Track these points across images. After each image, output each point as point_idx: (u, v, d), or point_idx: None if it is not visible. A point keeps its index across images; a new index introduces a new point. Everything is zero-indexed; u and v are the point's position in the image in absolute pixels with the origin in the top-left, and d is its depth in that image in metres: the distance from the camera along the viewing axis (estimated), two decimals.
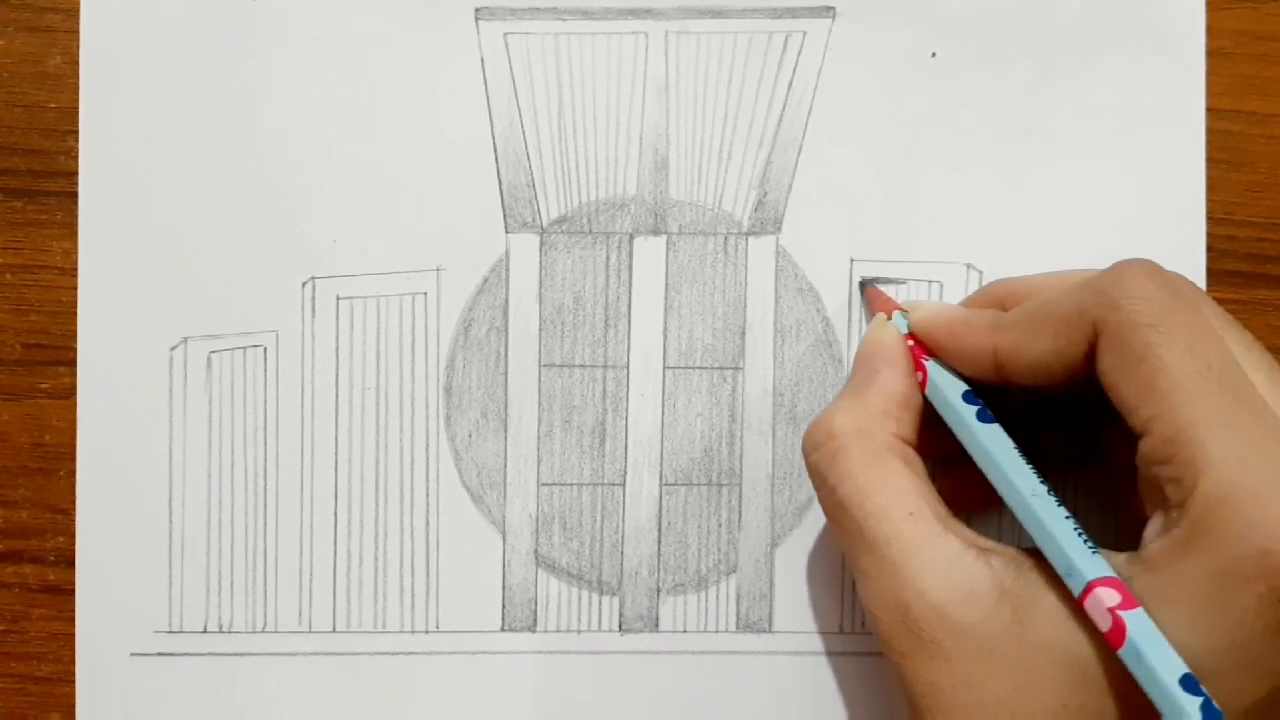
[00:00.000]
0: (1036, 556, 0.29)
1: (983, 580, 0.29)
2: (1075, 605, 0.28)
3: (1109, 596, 0.27)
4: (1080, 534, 0.29)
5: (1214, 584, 0.27)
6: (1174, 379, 0.28)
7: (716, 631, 0.37)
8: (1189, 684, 0.26)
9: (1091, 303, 0.29)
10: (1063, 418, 0.34)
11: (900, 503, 0.30)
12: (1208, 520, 0.27)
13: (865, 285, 0.36)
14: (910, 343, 0.33)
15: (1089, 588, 0.27)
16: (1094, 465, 0.35)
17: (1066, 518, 0.29)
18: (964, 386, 0.32)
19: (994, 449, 0.31)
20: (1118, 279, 0.29)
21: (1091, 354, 0.29)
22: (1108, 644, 0.27)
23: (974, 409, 0.31)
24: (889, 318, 0.34)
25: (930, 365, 0.32)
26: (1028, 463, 0.30)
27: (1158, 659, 0.26)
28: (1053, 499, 0.30)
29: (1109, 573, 0.28)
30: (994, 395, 0.32)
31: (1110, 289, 0.29)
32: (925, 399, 0.32)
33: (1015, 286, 0.33)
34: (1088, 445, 0.34)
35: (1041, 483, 0.30)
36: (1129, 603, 0.27)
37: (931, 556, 0.29)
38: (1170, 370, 0.28)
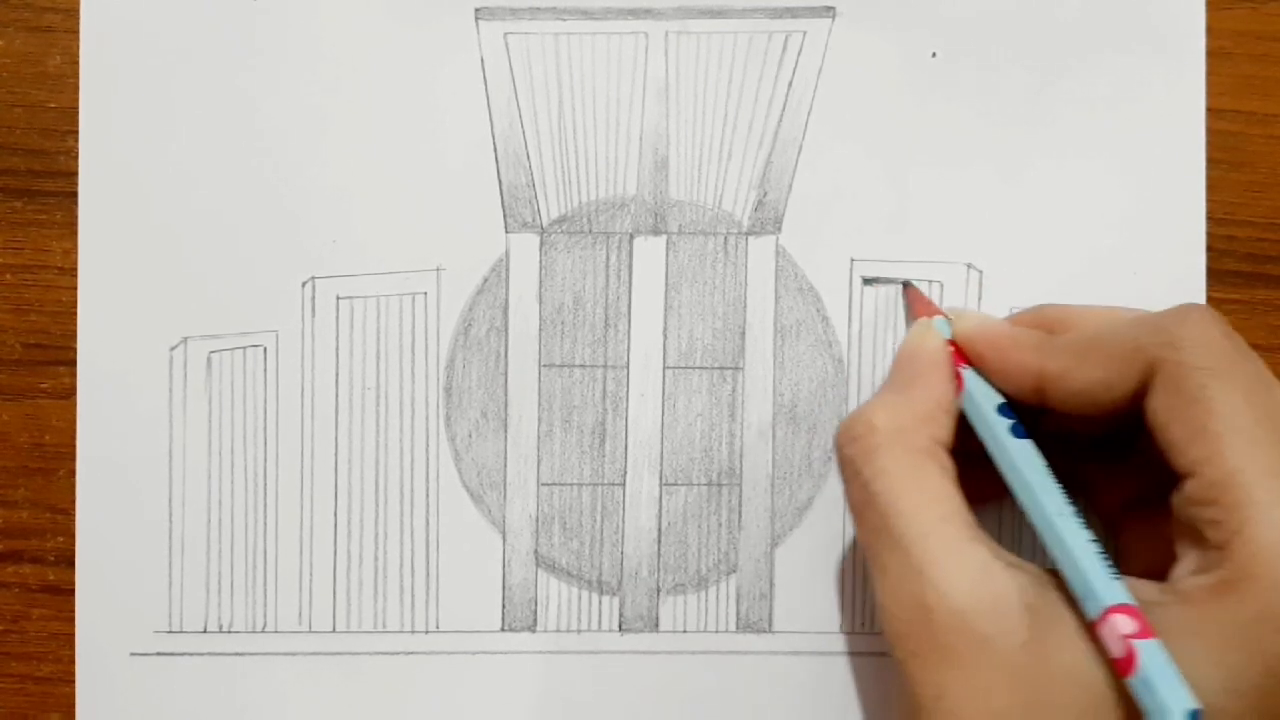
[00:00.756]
0: (1060, 577, 0.29)
1: (1009, 593, 0.29)
2: (1094, 629, 0.28)
3: (1124, 624, 0.27)
4: (1104, 559, 0.29)
5: (1248, 628, 0.27)
6: (1228, 424, 0.28)
7: (716, 631, 0.37)
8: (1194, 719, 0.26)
9: (1151, 340, 0.30)
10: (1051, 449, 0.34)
11: (934, 506, 0.30)
12: (1251, 565, 0.27)
13: (906, 285, 0.36)
14: (950, 349, 0.33)
15: (1106, 613, 0.28)
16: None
17: (1090, 541, 0.29)
18: (1000, 399, 0.32)
19: (1024, 465, 0.31)
20: (1181, 320, 0.30)
21: (1138, 390, 0.30)
22: (1118, 671, 0.27)
23: (1008, 422, 0.31)
24: (932, 321, 0.34)
25: (968, 374, 0.32)
26: (1057, 483, 0.30)
27: (1166, 691, 0.26)
28: (1078, 521, 0.30)
29: (1128, 600, 0.28)
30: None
31: (1172, 329, 0.29)
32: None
33: (1064, 313, 0.34)
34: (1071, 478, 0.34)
35: (1069, 504, 0.30)
36: (1145, 632, 0.27)
37: (960, 562, 0.29)
38: (1224, 416, 0.28)
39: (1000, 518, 0.36)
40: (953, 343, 0.33)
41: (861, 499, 0.31)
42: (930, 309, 0.35)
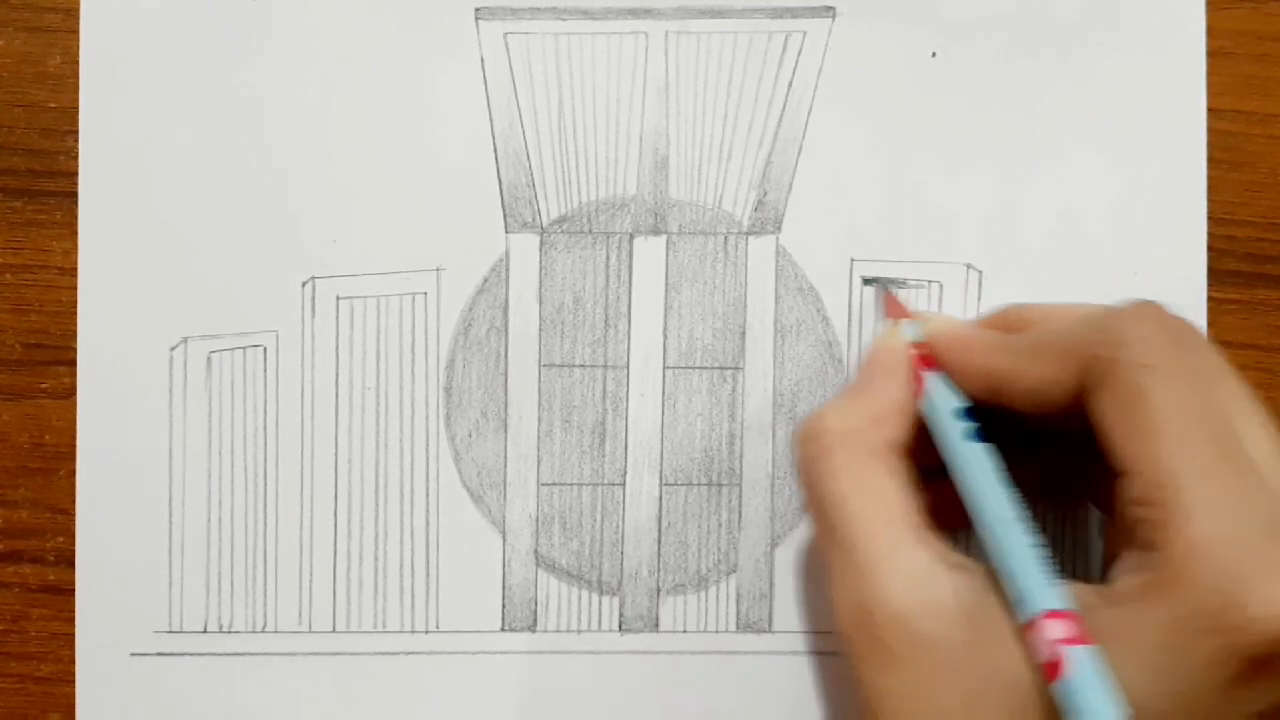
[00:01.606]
0: None
1: (948, 596, 0.29)
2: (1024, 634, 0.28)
3: (1054, 629, 0.27)
4: (1042, 564, 0.29)
5: (1174, 631, 0.27)
6: (1163, 423, 0.28)
7: (716, 631, 0.37)
8: None
9: (1093, 339, 0.29)
10: (1051, 450, 0.34)
11: (879, 509, 0.30)
12: (1178, 567, 0.27)
13: (882, 287, 0.36)
14: (916, 352, 0.33)
15: (1036, 618, 0.28)
16: (1078, 500, 0.35)
17: (1031, 546, 0.29)
18: (959, 403, 0.32)
19: (973, 468, 0.31)
20: (1121, 318, 0.29)
21: (1085, 388, 0.30)
22: (1045, 675, 0.27)
23: (962, 425, 0.31)
24: (900, 324, 0.34)
25: (928, 377, 0.32)
26: (1007, 488, 0.30)
27: (1090, 697, 0.26)
28: (1021, 526, 0.29)
29: (1059, 605, 0.28)
30: (999, 420, 0.32)
31: (1113, 327, 0.29)
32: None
33: (1029, 312, 0.34)
34: (1074, 479, 0.34)
35: (1014, 509, 0.30)
36: (1075, 639, 0.27)
37: (901, 565, 0.29)
38: (1161, 414, 0.28)
39: None
40: (922, 346, 0.33)
41: (813, 500, 0.31)
42: (901, 311, 0.35)
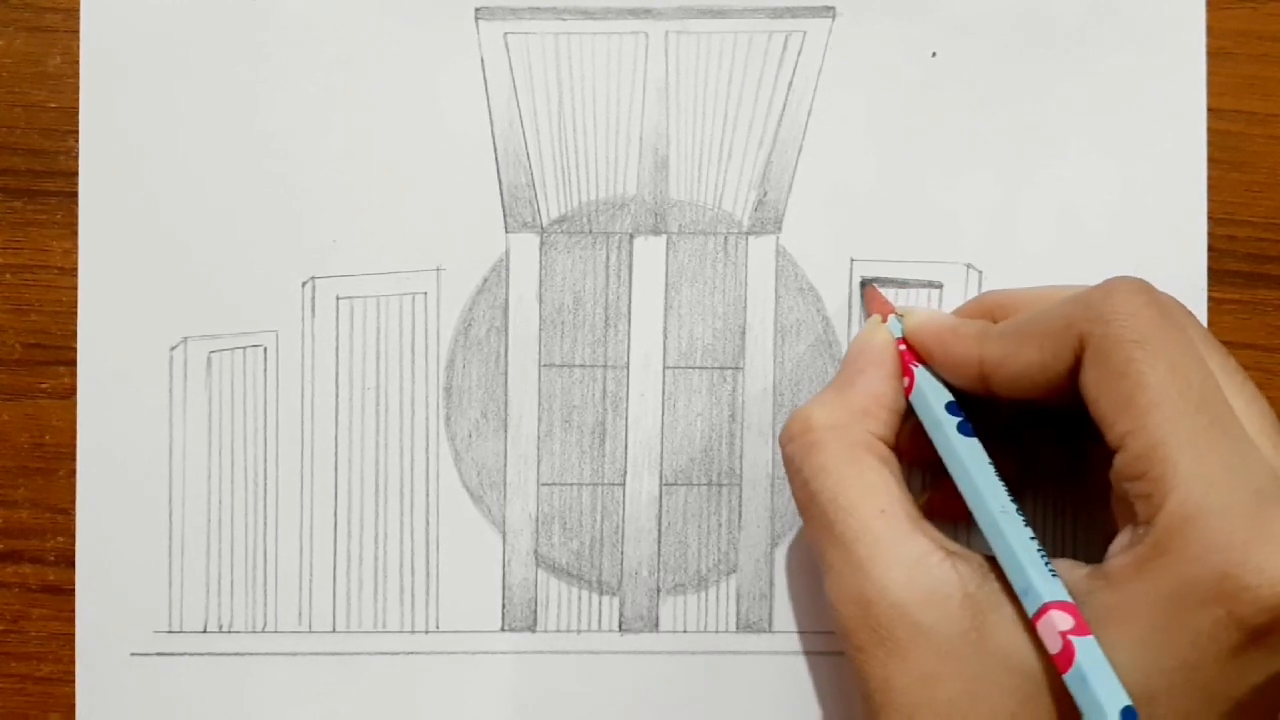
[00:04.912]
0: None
1: (946, 583, 0.29)
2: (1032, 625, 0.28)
3: (1062, 620, 0.27)
4: (1042, 554, 0.29)
5: (1171, 604, 0.27)
6: (1153, 396, 0.28)
7: (716, 631, 0.37)
8: (1129, 716, 0.26)
9: (1079, 316, 0.29)
10: (1051, 432, 0.34)
11: (871, 499, 0.30)
12: (1171, 539, 0.27)
13: (865, 285, 0.36)
14: (902, 347, 0.33)
15: (1044, 609, 0.28)
16: (1079, 480, 0.35)
17: (1031, 537, 0.29)
18: (948, 396, 0.32)
19: (968, 462, 0.31)
20: (1107, 294, 0.29)
21: (1076, 368, 0.29)
22: (1056, 667, 0.27)
23: (955, 420, 0.31)
24: (884, 319, 0.34)
25: (918, 372, 0.33)
26: (1001, 479, 0.31)
27: (1101, 688, 0.26)
28: (1020, 517, 0.30)
29: (1065, 596, 0.28)
30: (984, 406, 0.32)
31: (1099, 303, 0.29)
32: (910, 405, 0.33)
33: (1006, 298, 0.34)
34: (1074, 460, 0.34)
35: (1011, 500, 0.30)
36: (1081, 629, 0.27)
37: (897, 555, 0.29)
38: (1150, 387, 0.28)
39: None
40: (906, 341, 0.33)
41: (803, 496, 0.31)
42: (885, 307, 0.35)
